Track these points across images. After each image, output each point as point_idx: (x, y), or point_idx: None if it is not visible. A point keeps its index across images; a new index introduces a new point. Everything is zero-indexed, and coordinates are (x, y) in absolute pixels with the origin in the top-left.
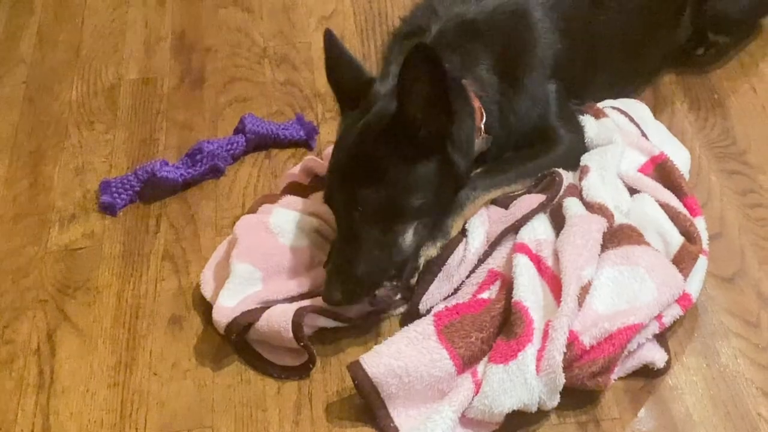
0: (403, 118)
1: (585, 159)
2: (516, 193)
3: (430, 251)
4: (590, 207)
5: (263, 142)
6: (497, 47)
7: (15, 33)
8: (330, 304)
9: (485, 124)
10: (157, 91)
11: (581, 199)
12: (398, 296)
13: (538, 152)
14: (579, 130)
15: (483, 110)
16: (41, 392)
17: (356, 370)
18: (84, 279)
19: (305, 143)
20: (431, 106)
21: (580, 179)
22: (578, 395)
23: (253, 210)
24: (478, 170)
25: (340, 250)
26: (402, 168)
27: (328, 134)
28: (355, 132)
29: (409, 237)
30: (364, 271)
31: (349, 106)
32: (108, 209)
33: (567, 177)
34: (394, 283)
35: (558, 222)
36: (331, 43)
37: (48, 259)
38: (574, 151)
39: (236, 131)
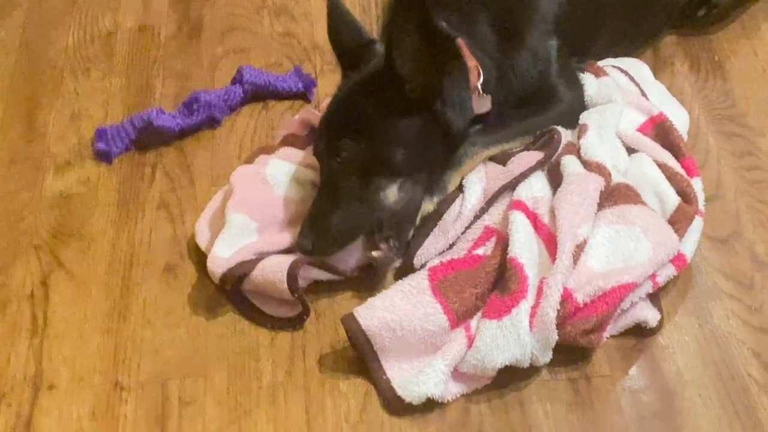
0: (391, 72)
1: (584, 117)
2: (514, 150)
3: (427, 206)
4: (588, 165)
5: (261, 94)
6: (496, 3)
7: None
8: (301, 252)
9: (483, 83)
10: (154, 39)
11: (579, 157)
12: (397, 256)
13: (538, 110)
14: (579, 89)
15: (480, 69)
16: (34, 337)
17: (350, 322)
18: (78, 225)
19: (303, 95)
20: (419, 59)
21: (579, 138)
22: (570, 352)
23: (249, 161)
24: (477, 127)
25: (319, 199)
26: (385, 121)
27: (326, 87)
28: (348, 88)
29: (392, 193)
30: (339, 223)
31: (350, 67)
32: (103, 156)
33: (566, 135)
34: (393, 243)
35: (555, 180)
36: (333, 5)
37: (42, 205)
38: (574, 110)
39: (233, 82)
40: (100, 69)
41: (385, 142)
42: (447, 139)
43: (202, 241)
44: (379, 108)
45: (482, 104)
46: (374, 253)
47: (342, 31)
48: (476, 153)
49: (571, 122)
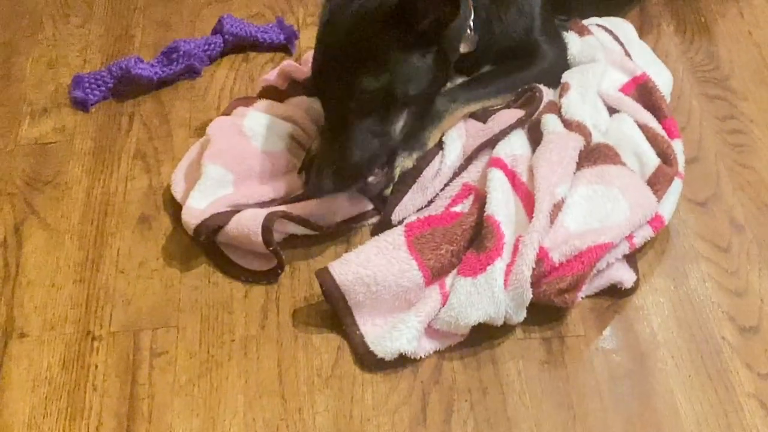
0: (407, 6)
1: (566, 76)
2: (495, 107)
3: (406, 162)
4: (568, 125)
5: (241, 45)
6: None
7: None
8: (318, 194)
9: (472, 23)
10: None
11: (560, 116)
12: (388, 184)
13: (520, 67)
14: (562, 47)
15: (473, 8)
16: (6, 284)
17: (324, 277)
18: (53, 174)
19: (284, 48)
20: None
21: (560, 96)
22: (544, 311)
23: (227, 112)
24: (459, 81)
25: (331, 138)
26: (403, 57)
27: (308, 39)
28: (350, 18)
29: (400, 125)
30: (359, 160)
31: None
32: (80, 104)
33: (547, 93)
34: (384, 170)
35: (535, 138)
36: None
37: (17, 152)
38: (556, 68)
39: (214, 32)
40: (79, 16)
41: (404, 78)
42: (442, 73)
43: (177, 192)
44: (396, 43)
45: (469, 44)
46: (369, 179)
47: None
48: (456, 109)
49: (553, 80)
